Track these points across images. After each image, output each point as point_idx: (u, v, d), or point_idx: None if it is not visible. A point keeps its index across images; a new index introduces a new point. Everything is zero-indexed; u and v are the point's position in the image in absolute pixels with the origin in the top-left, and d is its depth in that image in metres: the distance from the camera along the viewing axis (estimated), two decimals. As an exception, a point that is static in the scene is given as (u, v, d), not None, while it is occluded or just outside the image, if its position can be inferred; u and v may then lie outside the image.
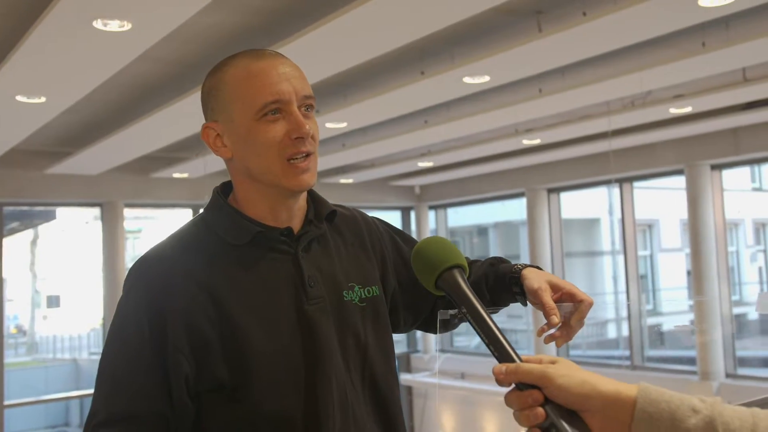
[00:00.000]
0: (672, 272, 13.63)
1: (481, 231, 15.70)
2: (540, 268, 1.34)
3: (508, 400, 0.85)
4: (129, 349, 1.13)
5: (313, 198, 1.32)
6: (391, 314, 1.36)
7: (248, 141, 1.19)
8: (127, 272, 1.20)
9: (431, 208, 11.64)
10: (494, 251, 15.57)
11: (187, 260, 1.18)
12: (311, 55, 4.45)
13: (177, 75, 5.47)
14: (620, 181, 8.80)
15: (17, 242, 15.32)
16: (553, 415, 0.82)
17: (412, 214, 11.67)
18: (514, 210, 11.39)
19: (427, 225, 11.58)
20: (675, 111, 6.66)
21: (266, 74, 1.18)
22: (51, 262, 19.06)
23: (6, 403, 8.41)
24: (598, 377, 0.83)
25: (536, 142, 7.84)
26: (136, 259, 1.21)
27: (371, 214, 1.48)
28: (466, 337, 12.53)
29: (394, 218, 12.34)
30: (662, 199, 12.45)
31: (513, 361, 0.86)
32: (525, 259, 10.72)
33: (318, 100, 5.66)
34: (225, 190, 1.29)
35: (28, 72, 4.65)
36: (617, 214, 9.19)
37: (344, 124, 6.52)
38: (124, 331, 1.15)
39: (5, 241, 8.74)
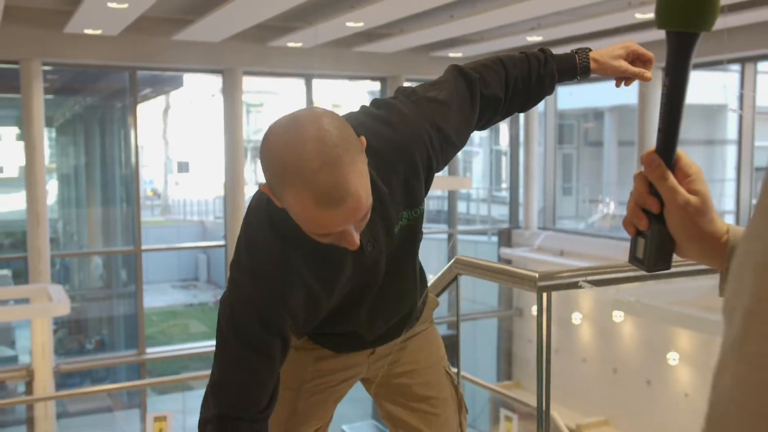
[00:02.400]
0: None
1: (597, 115, 15.26)
2: (588, 49, 1.59)
3: (635, 183, 0.84)
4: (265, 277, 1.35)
5: None
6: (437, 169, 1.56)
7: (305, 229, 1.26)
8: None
9: (542, 86, 11.48)
10: (609, 138, 15.15)
11: (283, 265, 1.35)
12: None
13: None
14: (742, 61, 8.37)
15: (150, 109, 16.37)
16: (653, 234, 0.83)
17: (522, 93, 11.57)
18: (632, 92, 11.03)
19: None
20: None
21: (323, 224, 1.19)
22: (181, 130, 20.28)
23: (143, 247, 9.50)
24: (711, 230, 0.83)
25: (649, 16, 7.57)
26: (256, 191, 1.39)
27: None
28: (568, 220, 12.62)
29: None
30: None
31: (670, 160, 0.82)
32: (636, 148, 10.50)
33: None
34: None
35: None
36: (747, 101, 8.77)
37: (450, -7, 6.57)
38: (242, 323, 1.35)
39: (139, 107, 9.48)
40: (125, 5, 6.97)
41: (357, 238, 1.22)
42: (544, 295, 2.07)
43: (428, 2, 6.98)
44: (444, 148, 1.48)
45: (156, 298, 16.13)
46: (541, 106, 11.54)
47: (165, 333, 14.52)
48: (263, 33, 8.72)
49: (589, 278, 2.16)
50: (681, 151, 0.82)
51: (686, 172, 0.82)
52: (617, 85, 1.57)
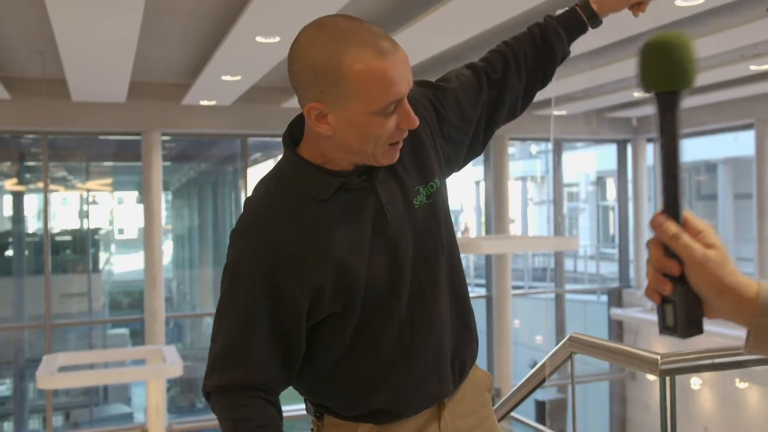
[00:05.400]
0: None
1: (710, 167, 14.68)
2: None
3: (650, 249, 0.84)
4: (247, 302, 1.31)
5: None
6: (447, 161, 1.51)
7: (361, 130, 1.25)
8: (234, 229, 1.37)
9: (650, 140, 11.17)
10: (723, 191, 14.48)
11: (287, 216, 1.31)
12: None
13: (393, 10, 5.85)
14: None
15: (260, 173, 17.01)
16: (679, 297, 0.82)
17: (629, 148, 11.29)
18: (748, 144, 10.56)
19: (645, 159, 11.14)
20: None
21: (389, 76, 1.21)
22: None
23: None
24: (736, 282, 0.81)
25: (766, 67, 7.25)
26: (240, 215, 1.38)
27: (584, 147, 1.57)
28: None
29: (609, 152, 12.01)
30: None
31: (678, 218, 0.82)
32: (754, 201, 9.97)
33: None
34: (293, 137, 1.37)
35: (266, 14, 5.27)
36: None
37: (553, 54, 6.52)
38: (241, 288, 1.31)
39: (249, 171, 9.86)
40: (238, 77, 7.33)
41: (414, 116, 1.26)
42: (668, 379, 1.89)
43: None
44: (445, 126, 1.48)
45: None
46: (650, 158, 11.18)
47: (271, 391, 14.69)
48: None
49: (717, 360, 2.00)
50: (687, 211, 0.83)
51: (697, 229, 0.82)
52: (635, 14, 1.56)
